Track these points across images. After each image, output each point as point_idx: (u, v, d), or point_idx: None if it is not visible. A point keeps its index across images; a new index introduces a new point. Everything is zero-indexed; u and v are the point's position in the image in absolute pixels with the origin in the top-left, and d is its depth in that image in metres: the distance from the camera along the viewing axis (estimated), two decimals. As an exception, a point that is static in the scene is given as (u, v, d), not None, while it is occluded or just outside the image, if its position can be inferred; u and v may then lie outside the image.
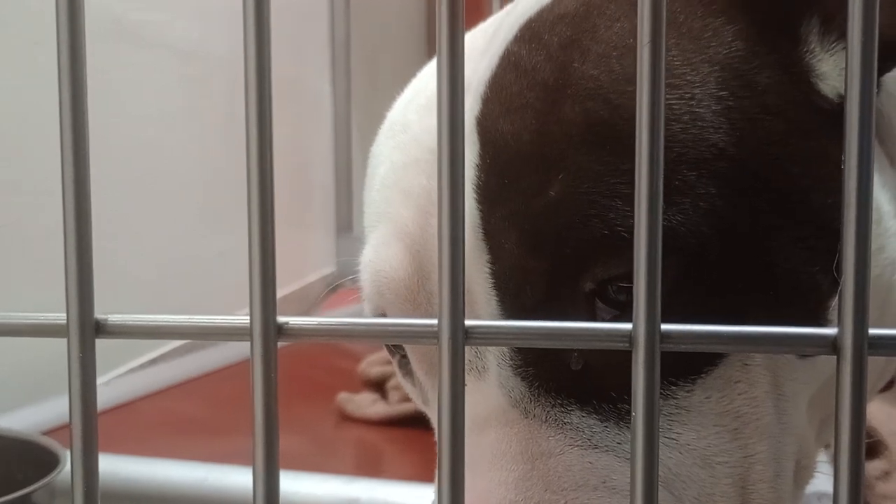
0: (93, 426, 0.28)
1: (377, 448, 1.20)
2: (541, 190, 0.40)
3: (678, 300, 0.38)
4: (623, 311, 0.39)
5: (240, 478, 0.84)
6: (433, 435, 0.48)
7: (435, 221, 0.42)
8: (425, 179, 0.44)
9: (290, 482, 0.82)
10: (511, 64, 0.43)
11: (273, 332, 0.27)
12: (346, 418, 1.26)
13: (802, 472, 0.44)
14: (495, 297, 0.41)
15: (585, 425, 0.40)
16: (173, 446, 1.07)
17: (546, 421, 0.41)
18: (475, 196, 0.42)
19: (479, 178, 0.42)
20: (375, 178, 0.49)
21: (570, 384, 0.41)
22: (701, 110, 0.41)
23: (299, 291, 2.13)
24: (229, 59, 1.63)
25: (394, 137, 0.49)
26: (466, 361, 0.42)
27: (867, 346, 0.25)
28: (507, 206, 0.41)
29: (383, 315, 0.47)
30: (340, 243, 2.39)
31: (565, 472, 0.40)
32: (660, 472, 0.40)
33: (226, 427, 1.18)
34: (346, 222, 2.40)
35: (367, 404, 1.28)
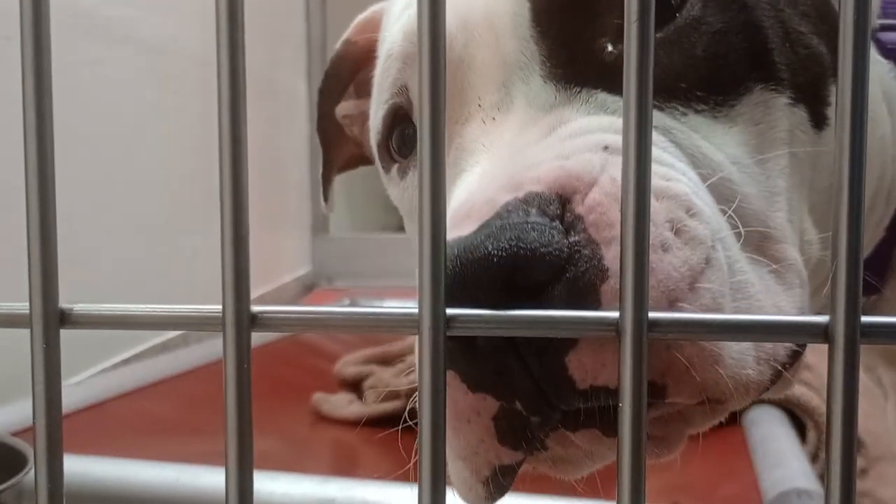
0: (57, 422, 0.27)
1: (353, 448, 1.18)
2: None
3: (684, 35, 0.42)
4: None
5: (213, 478, 0.82)
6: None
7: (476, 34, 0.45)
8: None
9: (266, 482, 0.80)
10: None
11: (246, 321, 0.26)
12: (322, 419, 1.25)
13: (805, 247, 0.46)
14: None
15: (609, 100, 0.42)
16: (146, 447, 1.05)
17: (570, 102, 0.43)
18: None
19: None
20: (394, 31, 0.52)
21: (600, 76, 0.43)
22: None
23: (274, 292, 2.12)
24: (203, 56, 1.61)
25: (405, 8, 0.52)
26: (494, 105, 0.44)
27: (860, 335, 0.25)
28: None
29: (405, 85, 0.50)
30: (316, 244, 2.38)
31: (586, 125, 0.41)
32: (689, 152, 0.41)
33: (200, 427, 1.16)
34: (322, 223, 2.39)
35: (342, 405, 1.27)
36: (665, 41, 0.43)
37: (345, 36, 0.69)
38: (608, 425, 0.37)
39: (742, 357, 0.37)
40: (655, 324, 0.25)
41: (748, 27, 0.43)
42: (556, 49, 0.44)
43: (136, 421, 1.23)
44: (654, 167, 0.35)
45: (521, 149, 0.41)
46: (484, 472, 0.40)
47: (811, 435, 1.06)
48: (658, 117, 0.42)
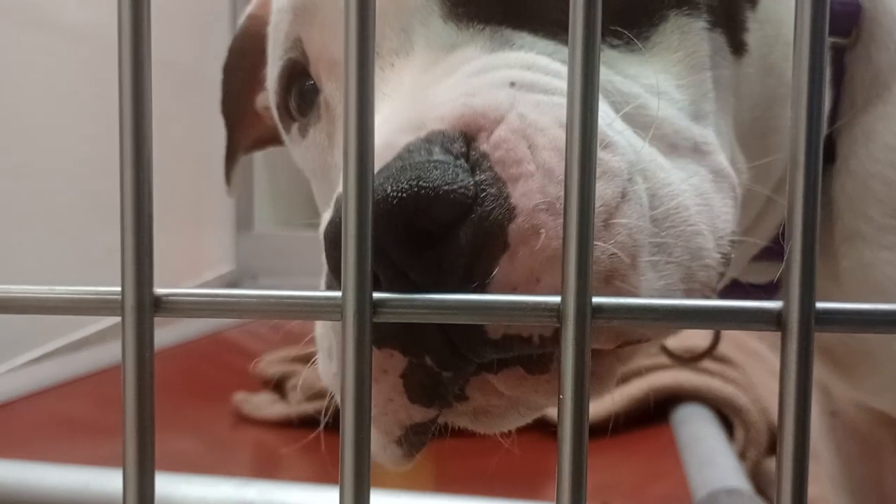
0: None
1: (276, 450, 1.15)
2: None
3: None
4: None
5: (125, 481, 0.78)
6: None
7: None
8: None
9: (180, 485, 0.77)
10: None
11: (148, 305, 0.23)
12: (244, 419, 1.21)
13: (736, 170, 0.44)
14: None
15: (515, 35, 0.40)
16: (56, 449, 1.00)
17: (473, 40, 0.41)
18: None
19: None
20: None
21: (505, 12, 0.41)
22: None
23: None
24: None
25: None
26: (392, 51, 0.42)
27: (815, 322, 0.23)
28: None
29: (298, 38, 0.46)
30: (240, 240, 2.33)
31: (491, 62, 0.39)
32: (607, 89, 0.39)
33: (114, 429, 1.12)
34: (247, 219, 2.34)
35: (265, 405, 1.23)
36: None
37: (247, 10, 0.66)
38: (531, 363, 0.35)
39: (668, 295, 0.35)
40: (600, 309, 0.24)
41: None
42: None
43: (46, 422, 1.17)
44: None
45: (423, 89, 0.39)
46: (396, 432, 0.37)
47: (739, 433, 1.07)
48: (564, 55, 0.40)
